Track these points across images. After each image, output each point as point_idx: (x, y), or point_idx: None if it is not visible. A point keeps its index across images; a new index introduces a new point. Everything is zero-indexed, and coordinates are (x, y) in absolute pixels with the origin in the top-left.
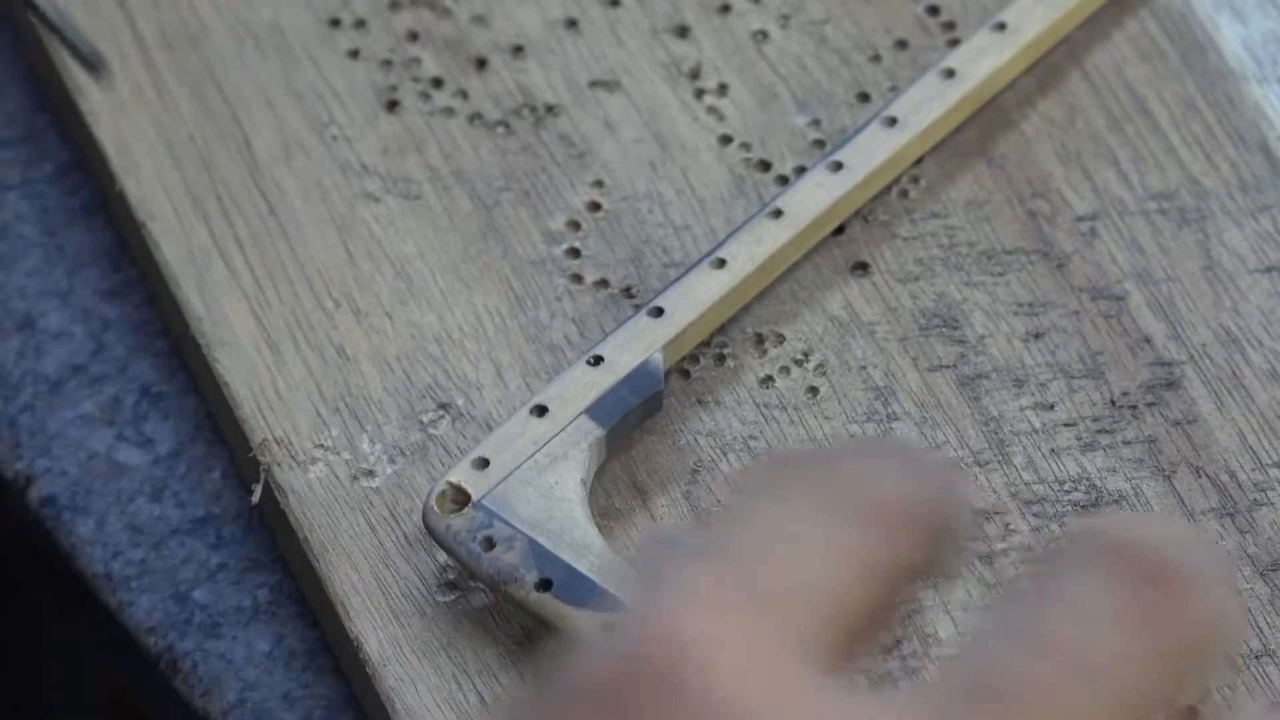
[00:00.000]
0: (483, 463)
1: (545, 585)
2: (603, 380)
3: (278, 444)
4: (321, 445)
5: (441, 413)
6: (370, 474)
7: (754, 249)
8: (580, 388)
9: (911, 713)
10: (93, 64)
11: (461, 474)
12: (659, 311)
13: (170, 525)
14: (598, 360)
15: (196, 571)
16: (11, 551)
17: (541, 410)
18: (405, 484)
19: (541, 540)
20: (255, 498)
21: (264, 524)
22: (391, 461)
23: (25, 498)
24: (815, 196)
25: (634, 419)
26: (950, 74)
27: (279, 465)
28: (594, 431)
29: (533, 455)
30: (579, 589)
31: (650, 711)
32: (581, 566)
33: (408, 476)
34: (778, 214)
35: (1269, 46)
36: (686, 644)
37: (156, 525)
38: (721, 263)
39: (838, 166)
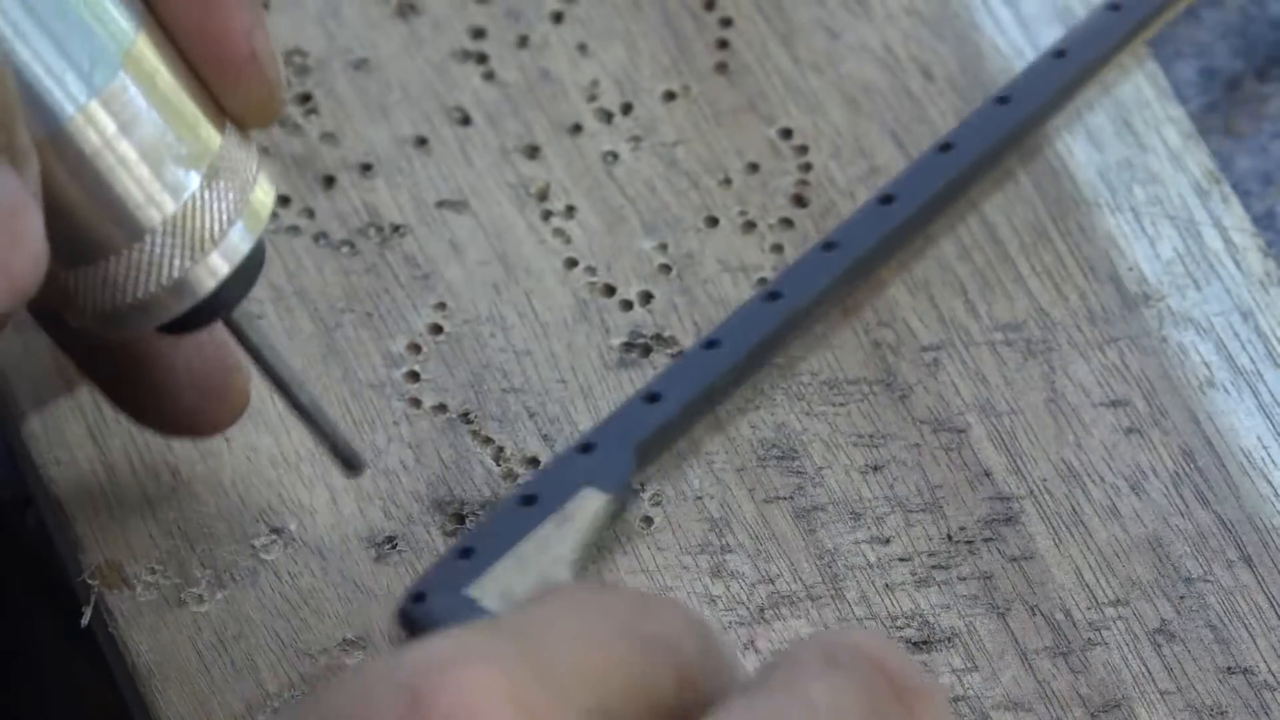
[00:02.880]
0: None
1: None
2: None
3: (109, 566)
4: (152, 569)
5: (274, 537)
6: (199, 599)
7: None
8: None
9: None
10: (352, 465)
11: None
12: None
13: None
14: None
15: None
16: (9, 571)
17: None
18: (234, 609)
19: None
20: (85, 619)
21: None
22: (221, 586)
23: (24, 517)
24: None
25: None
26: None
27: (109, 589)
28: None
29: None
30: None
31: None
32: None
33: (236, 601)
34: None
35: (1123, 174)
36: (448, 677)
37: None
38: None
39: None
